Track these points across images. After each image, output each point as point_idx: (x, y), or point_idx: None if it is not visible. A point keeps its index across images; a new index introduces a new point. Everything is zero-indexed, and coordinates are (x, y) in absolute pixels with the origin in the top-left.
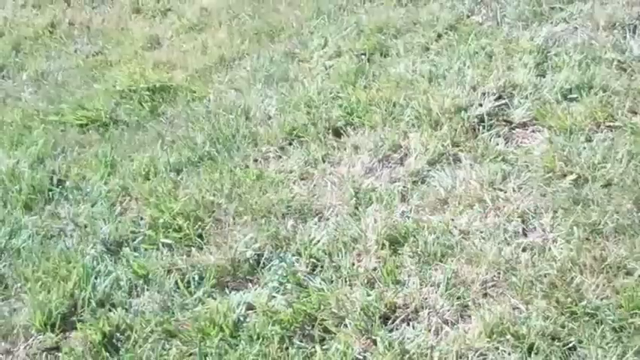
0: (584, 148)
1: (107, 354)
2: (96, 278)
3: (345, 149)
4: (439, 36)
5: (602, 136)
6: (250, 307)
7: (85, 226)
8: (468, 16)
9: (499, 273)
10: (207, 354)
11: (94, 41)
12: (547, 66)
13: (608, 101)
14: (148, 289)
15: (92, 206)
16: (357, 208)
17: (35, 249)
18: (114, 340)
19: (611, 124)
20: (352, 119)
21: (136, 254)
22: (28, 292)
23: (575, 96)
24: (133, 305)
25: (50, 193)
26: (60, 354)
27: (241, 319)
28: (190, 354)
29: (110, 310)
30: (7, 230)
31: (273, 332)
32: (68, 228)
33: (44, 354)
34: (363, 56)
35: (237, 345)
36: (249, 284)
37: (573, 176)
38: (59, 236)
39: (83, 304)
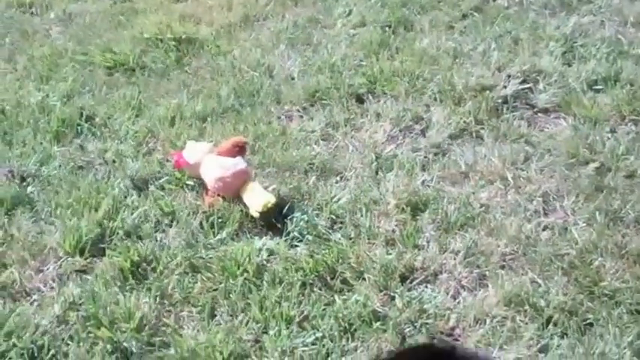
0: (608, 138)
1: (134, 281)
2: (124, 211)
3: (367, 115)
4: (464, 16)
5: (627, 129)
6: (272, 253)
7: (113, 162)
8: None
9: (518, 247)
10: (232, 291)
11: None
12: (573, 56)
13: (634, 96)
14: (173, 226)
15: (120, 144)
16: (377, 172)
17: (65, 178)
18: (140, 270)
19: (637, 117)
20: (375, 88)
21: (162, 193)
22: (58, 217)
23: (601, 87)
24: (160, 239)
25: (79, 127)
26: (89, 277)
27: (264, 262)
28: (215, 289)
29: (136, 242)
30: (38, 158)
31: (294, 278)
32: (96, 162)
33: (74, 274)
34: (387, 28)
35: (260, 286)
36: (270, 232)
37: (596, 164)
38: (88, 169)
39: (111, 233)
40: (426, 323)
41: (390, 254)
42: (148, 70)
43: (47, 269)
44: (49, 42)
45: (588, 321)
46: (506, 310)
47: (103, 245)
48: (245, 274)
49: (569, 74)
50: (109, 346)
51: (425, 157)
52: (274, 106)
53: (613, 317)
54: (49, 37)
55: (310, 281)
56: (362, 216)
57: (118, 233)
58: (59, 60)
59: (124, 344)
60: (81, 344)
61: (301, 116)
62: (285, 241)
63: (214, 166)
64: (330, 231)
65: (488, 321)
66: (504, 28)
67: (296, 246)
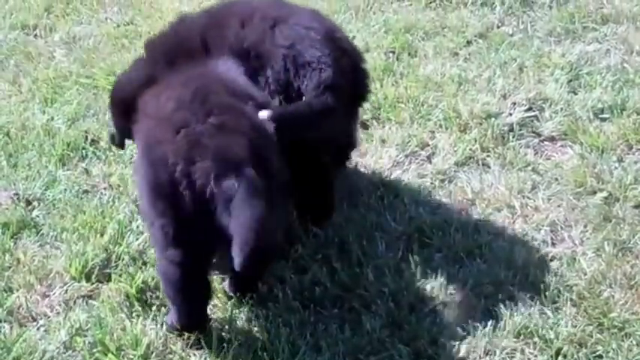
0: (616, 167)
1: (140, 307)
2: (129, 236)
3: (372, 141)
4: (468, 42)
5: (634, 158)
6: (281, 280)
7: (119, 186)
8: (498, 27)
9: (527, 278)
10: (238, 318)
11: (125, 11)
12: (579, 83)
13: None
14: None
15: (124, 168)
16: (382, 198)
17: (71, 202)
18: (146, 296)
19: None
20: (379, 114)
21: None
22: (64, 241)
23: (607, 116)
24: None
25: (84, 151)
26: (95, 302)
27: (272, 289)
28: (222, 316)
29: (141, 268)
30: (43, 182)
31: (302, 305)
32: (101, 186)
33: (80, 300)
34: (391, 54)
35: (267, 313)
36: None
37: (604, 194)
38: (93, 193)
39: (117, 258)
40: (437, 354)
41: (398, 283)
42: None
43: (53, 294)
44: (53, 64)
45: (598, 353)
46: (516, 342)
47: (108, 270)
48: (251, 301)
49: (575, 102)
50: None
51: (431, 183)
52: None
53: (623, 349)
54: (53, 60)
55: (318, 308)
56: (368, 243)
57: (123, 259)
58: (64, 82)
59: None
60: None
61: None
62: (293, 267)
63: None
64: (338, 258)
65: (498, 352)
66: (509, 55)
67: (304, 272)
